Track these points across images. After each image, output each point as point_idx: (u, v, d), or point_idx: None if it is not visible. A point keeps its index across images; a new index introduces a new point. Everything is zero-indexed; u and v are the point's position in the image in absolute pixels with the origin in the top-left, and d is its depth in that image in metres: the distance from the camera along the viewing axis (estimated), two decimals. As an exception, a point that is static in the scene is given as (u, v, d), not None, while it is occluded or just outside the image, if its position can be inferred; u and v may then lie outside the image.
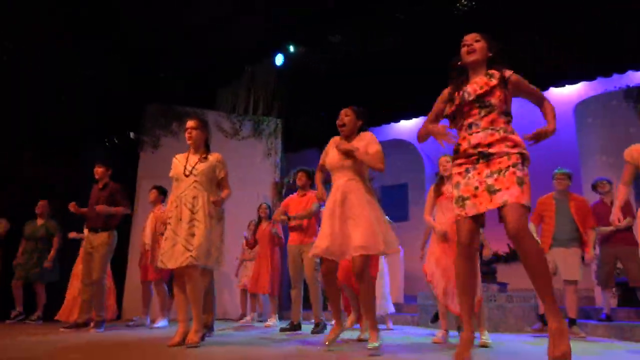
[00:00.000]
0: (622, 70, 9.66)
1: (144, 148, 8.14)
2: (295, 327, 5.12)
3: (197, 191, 3.67)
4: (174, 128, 8.32)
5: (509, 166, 2.41)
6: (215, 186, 3.84)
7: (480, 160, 2.50)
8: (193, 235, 3.55)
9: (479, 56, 2.64)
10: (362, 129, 3.59)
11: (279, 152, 8.92)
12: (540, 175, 8.92)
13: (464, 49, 2.71)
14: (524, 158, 2.45)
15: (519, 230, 2.28)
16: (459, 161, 2.60)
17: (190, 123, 3.90)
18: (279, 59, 9.42)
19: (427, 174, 10.64)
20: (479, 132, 2.54)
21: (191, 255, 3.49)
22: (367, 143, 3.36)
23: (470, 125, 2.59)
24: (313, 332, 4.81)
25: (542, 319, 5.09)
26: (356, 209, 3.15)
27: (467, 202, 2.49)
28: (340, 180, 3.30)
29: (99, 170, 5.35)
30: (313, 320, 5.09)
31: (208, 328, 4.07)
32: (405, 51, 8.93)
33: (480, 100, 2.57)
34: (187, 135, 3.89)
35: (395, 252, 3.31)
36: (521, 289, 7.33)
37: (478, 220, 2.50)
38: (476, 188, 2.48)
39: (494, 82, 2.58)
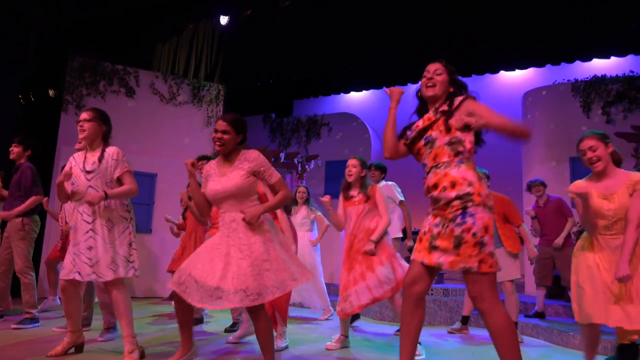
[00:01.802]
0: (571, 60, 9.74)
1: (66, 108, 7.30)
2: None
3: None
4: (100, 87, 7.50)
5: (449, 221, 2.10)
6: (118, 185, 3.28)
7: (434, 205, 2.24)
8: (91, 248, 3.08)
9: (438, 91, 2.37)
10: (243, 144, 2.86)
11: (220, 121, 8.34)
12: (483, 163, 9.03)
13: (423, 80, 2.41)
14: (466, 202, 2.08)
15: (474, 300, 2.06)
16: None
17: (83, 115, 3.30)
18: (224, 20, 8.67)
19: (373, 150, 10.43)
20: (428, 173, 2.27)
21: (94, 272, 3.05)
22: (261, 167, 2.73)
23: (424, 167, 2.32)
24: (226, 331, 4.51)
25: (464, 320, 5.06)
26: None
27: (416, 245, 2.23)
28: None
29: (14, 151, 4.60)
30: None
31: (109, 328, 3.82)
32: (356, 20, 8.48)
33: (422, 136, 2.28)
34: (79, 129, 3.29)
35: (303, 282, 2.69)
36: (457, 278, 7.39)
37: (432, 269, 2.21)
38: (424, 233, 2.22)
39: (438, 115, 2.27)
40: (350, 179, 3.90)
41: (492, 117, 2.10)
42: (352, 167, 3.91)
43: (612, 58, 9.42)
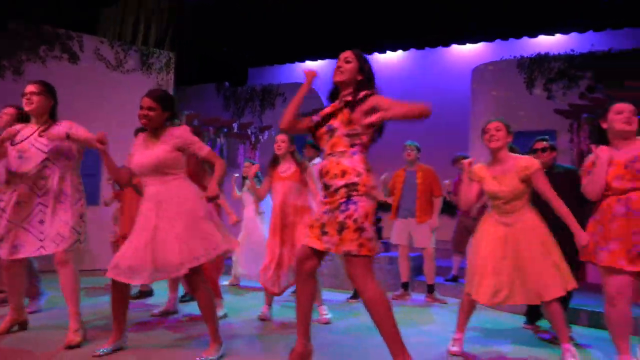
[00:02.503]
0: (519, 36, 10.03)
1: (3, 74, 6.93)
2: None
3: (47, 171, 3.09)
4: (41, 52, 7.14)
5: (335, 208, 2.27)
6: (73, 160, 3.21)
7: (324, 191, 2.39)
8: (42, 222, 3.05)
9: (346, 78, 2.47)
10: (173, 121, 2.95)
11: (171, 89, 8.13)
12: (433, 134, 9.31)
13: (335, 68, 2.52)
14: (351, 190, 2.25)
15: (352, 278, 2.24)
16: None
17: (29, 87, 3.18)
18: (174, -17, 8.35)
19: (328, 121, 10.52)
20: (324, 159, 2.43)
21: (42, 246, 3.02)
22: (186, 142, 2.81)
23: (322, 152, 2.47)
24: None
25: (404, 286, 5.33)
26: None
27: (307, 231, 2.40)
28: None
29: None
30: None
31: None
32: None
33: (326, 122, 2.41)
34: (25, 101, 3.18)
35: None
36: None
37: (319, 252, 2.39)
38: (316, 220, 2.38)
39: (342, 104, 2.41)
40: (279, 153, 3.95)
41: (395, 109, 2.21)
42: (281, 142, 3.95)
43: (557, 35, 9.78)
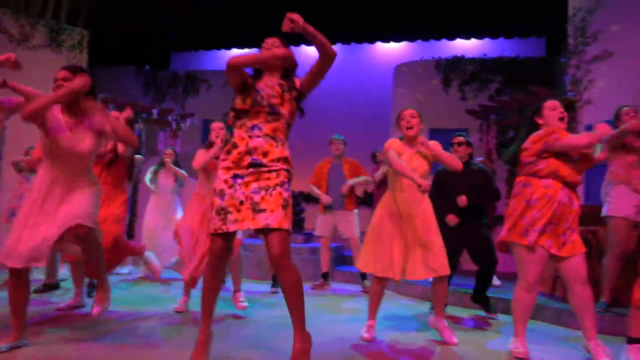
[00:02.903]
0: (438, 38, 10.53)
1: None
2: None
3: None
4: None
5: (276, 185, 2.30)
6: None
7: (251, 170, 2.33)
8: None
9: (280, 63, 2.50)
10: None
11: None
12: (356, 127, 9.57)
13: (262, 51, 2.53)
14: (290, 176, 2.41)
15: (281, 257, 2.24)
16: (227, 164, 2.37)
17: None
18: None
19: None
20: (260, 137, 2.36)
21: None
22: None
23: (253, 127, 2.38)
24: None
25: (324, 276, 5.46)
26: None
27: (230, 216, 2.30)
28: None
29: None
30: None
31: None
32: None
33: (272, 107, 2.39)
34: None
35: None
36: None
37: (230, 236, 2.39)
38: (241, 202, 2.30)
39: (287, 96, 2.44)
40: (215, 140, 3.88)
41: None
42: (220, 130, 3.91)
43: (472, 40, 10.40)
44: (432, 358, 2.80)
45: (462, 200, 3.89)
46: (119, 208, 3.92)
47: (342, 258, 6.58)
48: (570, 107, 5.58)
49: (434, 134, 7.98)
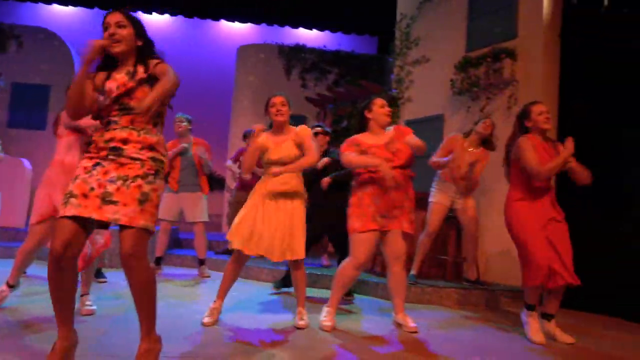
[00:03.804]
0: (282, 24, 10.74)
1: None
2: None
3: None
4: None
5: (137, 176, 2.05)
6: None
7: (110, 157, 2.08)
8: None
9: (125, 47, 2.16)
10: None
11: None
12: (197, 105, 9.24)
13: (105, 35, 2.15)
14: (159, 167, 2.15)
15: (129, 258, 2.02)
16: (90, 154, 2.11)
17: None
18: None
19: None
20: (116, 129, 2.11)
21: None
22: None
23: (109, 123, 2.13)
24: None
25: (157, 260, 5.22)
26: None
27: (73, 200, 2.01)
28: None
29: None
30: None
31: None
32: None
33: (119, 102, 2.14)
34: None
35: None
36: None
37: (87, 225, 2.08)
38: (92, 189, 2.02)
39: (132, 84, 2.12)
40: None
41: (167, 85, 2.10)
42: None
43: (314, 30, 10.85)
44: (279, 341, 2.88)
45: (325, 181, 4.04)
46: None
47: (177, 241, 6.35)
48: (394, 103, 6.22)
49: (274, 118, 8.15)
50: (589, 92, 4.38)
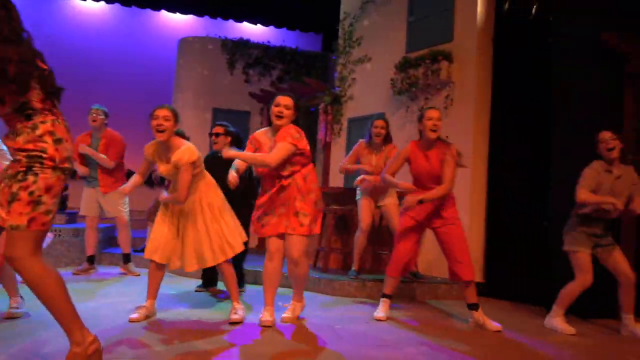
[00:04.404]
0: (226, 17, 10.56)
1: None
2: None
3: None
4: None
5: (10, 176, 1.96)
6: None
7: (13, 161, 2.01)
8: None
9: None
10: None
11: None
12: (134, 99, 8.91)
13: None
14: (33, 162, 1.97)
15: (9, 259, 1.96)
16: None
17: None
18: None
19: None
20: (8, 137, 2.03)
21: None
22: None
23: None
24: None
25: (90, 259, 5.00)
26: None
27: None
28: None
29: None
30: None
31: None
32: None
33: None
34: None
35: None
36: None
37: None
38: None
39: None
40: None
41: None
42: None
43: (259, 25, 10.76)
44: (193, 332, 2.87)
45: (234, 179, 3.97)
46: None
47: (111, 239, 6.10)
48: (336, 101, 6.31)
49: (217, 113, 8.03)
50: (520, 94, 4.66)
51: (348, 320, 3.39)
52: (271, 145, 3.12)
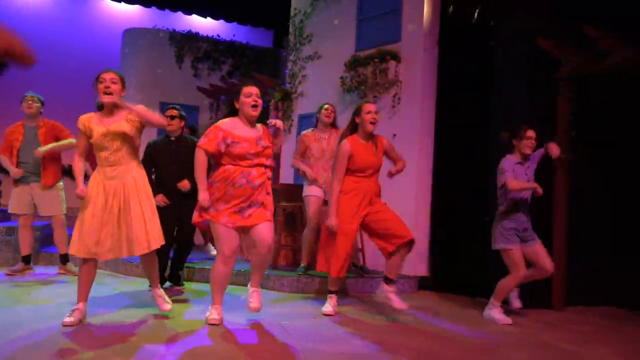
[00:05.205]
0: (175, 9, 10.29)
1: None
2: None
3: None
4: None
5: None
6: None
7: None
8: None
9: None
10: None
11: None
12: (77, 93, 8.50)
13: None
14: None
15: None
16: None
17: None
18: None
19: None
20: None
21: None
22: None
23: None
24: None
25: (25, 259, 4.73)
26: None
27: None
28: None
29: None
30: None
31: None
32: None
33: None
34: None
35: None
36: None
37: None
38: None
39: None
40: None
41: None
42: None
43: (208, 18, 10.55)
44: (136, 331, 2.80)
45: (185, 185, 3.90)
46: None
47: (49, 238, 5.81)
48: (287, 97, 6.30)
49: (165, 108, 7.78)
50: (464, 95, 4.83)
51: (297, 316, 3.41)
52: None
